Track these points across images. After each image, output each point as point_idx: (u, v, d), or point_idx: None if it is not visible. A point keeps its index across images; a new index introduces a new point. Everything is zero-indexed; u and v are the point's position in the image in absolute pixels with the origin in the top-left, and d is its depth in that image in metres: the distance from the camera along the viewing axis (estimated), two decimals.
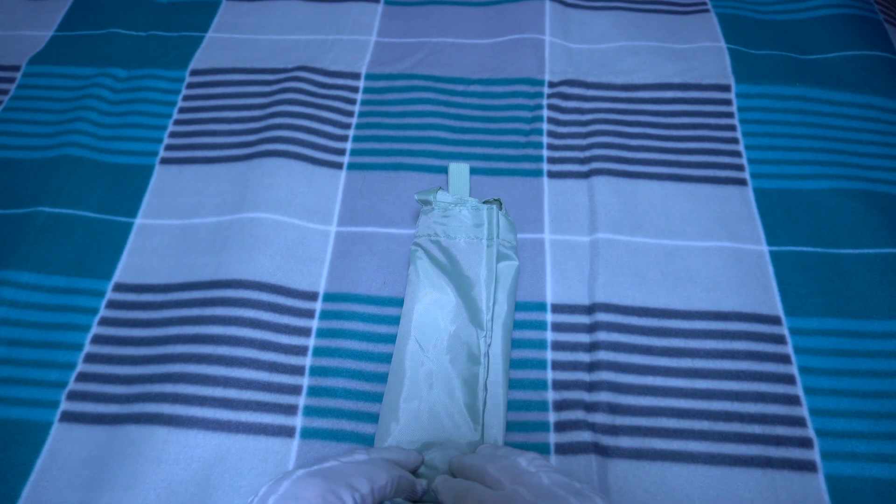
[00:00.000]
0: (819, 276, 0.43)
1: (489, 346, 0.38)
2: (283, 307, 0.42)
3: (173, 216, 0.48)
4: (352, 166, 0.50)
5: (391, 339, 0.41)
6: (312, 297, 0.43)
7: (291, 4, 0.62)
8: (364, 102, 0.54)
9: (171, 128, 0.53)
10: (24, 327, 0.42)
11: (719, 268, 0.43)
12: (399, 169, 0.50)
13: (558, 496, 0.28)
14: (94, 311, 0.43)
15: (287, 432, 0.38)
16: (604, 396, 0.38)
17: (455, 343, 0.39)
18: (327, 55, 0.57)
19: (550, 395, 0.39)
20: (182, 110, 0.54)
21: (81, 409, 0.39)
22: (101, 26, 0.61)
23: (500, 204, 0.44)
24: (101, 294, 0.44)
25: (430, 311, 0.40)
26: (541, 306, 0.42)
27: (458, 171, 0.48)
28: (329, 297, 0.43)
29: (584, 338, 0.41)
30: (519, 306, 0.42)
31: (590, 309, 0.42)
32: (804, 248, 0.44)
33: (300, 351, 0.41)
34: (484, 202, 0.44)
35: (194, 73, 0.56)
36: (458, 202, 0.44)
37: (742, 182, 0.48)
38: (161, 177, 0.50)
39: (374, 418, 0.38)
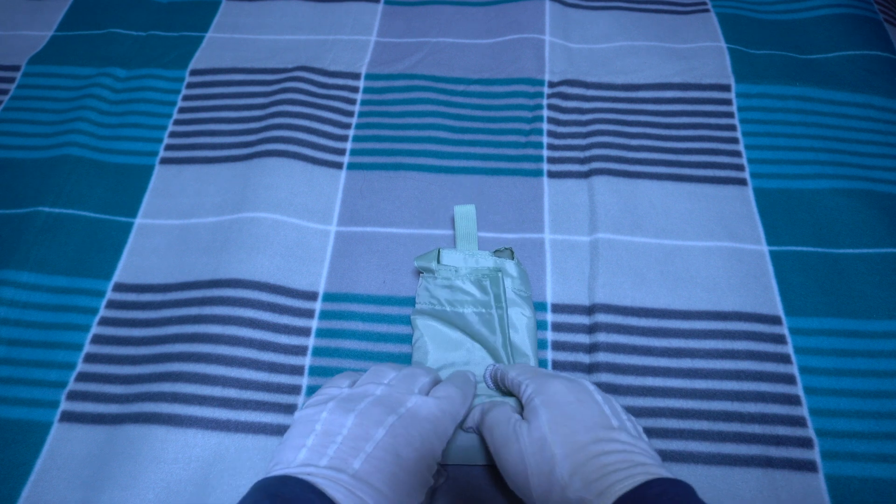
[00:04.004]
0: (819, 275, 0.43)
1: None
2: (283, 307, 0.42)
3: (173, 216, 0.48)
4: (352, 166, 0.50)
5: (391, 338, 0.41)
6: (312, 296, 0.43)
7: (291, 4, 0.62)
8: (364, 102, 0.54)
9: (170, 128, 0.53)
10: (24, 327, 0.42)
11: (719, 268, 0.43)
12: (399, 169, 0.50)
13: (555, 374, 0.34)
14: (94, 311, 0.43)
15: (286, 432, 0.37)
16: None
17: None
18: (327, 55, 0.57)
19: None
20: (182, 110, 0.54)
21: (81, 409, 0.39)
22: (101, 26, 0.61)
23: (512, 253, 0.42)
24: (101, 294, 0.44)
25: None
26: (541, 306, 0.42)
27: (465, 214, 0.45)
28: (329, 297, 0.43)
29: (583, 338, 0.41)
30: None
31: (590, 310, 0.42)
32: (804, 248, 0.44)
33: (300, 351, 0.41)
34: (495, 252, 0.42)
35: (194, 73, 0.56)
36: (459, 268, 0.41)
37: (742, 182, 0.48)
38: (161, 177, 0.50)
39: None
